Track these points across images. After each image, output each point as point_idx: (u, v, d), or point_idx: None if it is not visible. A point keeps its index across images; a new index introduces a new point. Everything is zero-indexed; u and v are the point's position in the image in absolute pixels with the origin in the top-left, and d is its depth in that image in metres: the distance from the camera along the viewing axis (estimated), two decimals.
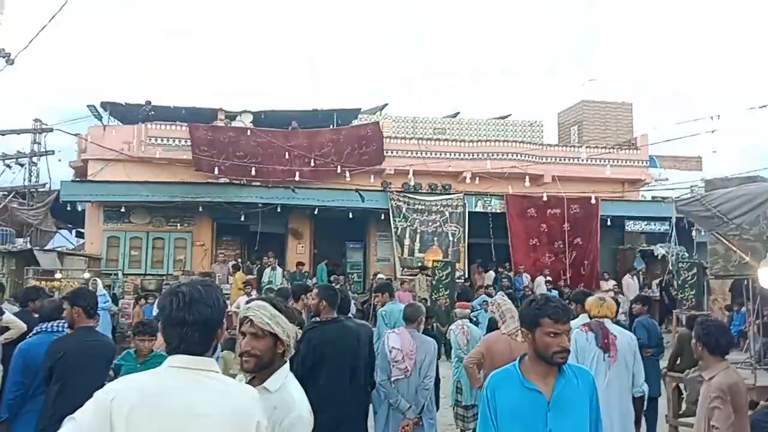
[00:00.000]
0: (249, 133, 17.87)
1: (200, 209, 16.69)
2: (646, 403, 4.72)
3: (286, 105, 31.67)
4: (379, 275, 16.84)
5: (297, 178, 17.14)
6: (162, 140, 17.75)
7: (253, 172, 16.87)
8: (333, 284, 16.48)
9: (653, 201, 19.89)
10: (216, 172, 17.04)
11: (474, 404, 7.50)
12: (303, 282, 16.19)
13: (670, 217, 18.81)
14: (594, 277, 18.04)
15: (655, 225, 18.79)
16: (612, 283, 17.42)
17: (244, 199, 16.41)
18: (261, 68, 63.72)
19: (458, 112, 24.26)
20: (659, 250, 18.54)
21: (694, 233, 18.66)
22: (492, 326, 6.69)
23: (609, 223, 18.36)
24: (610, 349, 4.22)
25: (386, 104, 23.60)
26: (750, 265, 5.50)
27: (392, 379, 4.80)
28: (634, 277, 17.80)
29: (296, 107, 19.96)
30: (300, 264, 16.30)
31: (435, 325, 13.82)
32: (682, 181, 21.81)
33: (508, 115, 24.30)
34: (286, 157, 17.51)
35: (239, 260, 17.85)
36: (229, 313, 14.01)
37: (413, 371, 4.81)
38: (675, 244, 18.47)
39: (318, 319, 4.51)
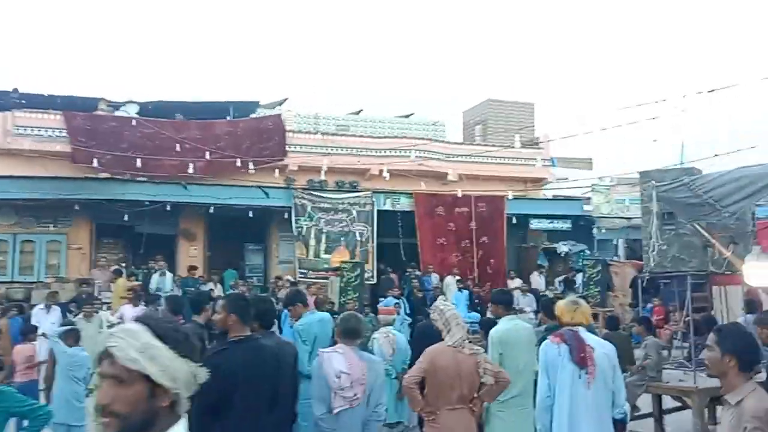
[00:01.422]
0: (134, 123, 16.12)
1: (76, 208, 14.74)
2: None
3: (177, 96, 29.53)
4: (287, 277, 15.72)
5: (190, 173, 15.61)
6: (32, 130, 15.60)
7: (139, 165, 15.14)
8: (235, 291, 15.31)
9: (556, 199, 20.13)
10: (96, 164, 15.16)
11: (399, 422, 6.69)
12: (197, 289, 14.77)
13: (572, 216, 19.21)
14: (501, 276, 17.87)
15: (557, 223, 18.96)
16: (518, 281, 17.33)
17: (128, 197, 14.65)
18: (150, 59, 60.01)
19: (361, 110, 23.56)
20: (562, 247, 18.74)
21: (594, 231, 19.09)
22: (424, 333, 5.89)
23: (514, 221, 18.29)
24: (588, 364, 3.51)
25: (286, 99, 22.41)
26: (726, 261, 5.06)
27: (335, 411, 3.84)
28: (541, 275, 17.83)
29: (189, 98, 18.40)
30: (193, 268, 14.81)
31: None
32: (577, 179, 22.39)
33: (411, 114, 23.95)
34: (177, 150, 15.92)
35: (122, 265, 16.04)
36: (111, 324, 12.38)
37: (361, 399, 3.88)
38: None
39: (231, 338, 3.47)
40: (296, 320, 5.41)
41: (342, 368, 3.87)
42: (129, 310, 11.78)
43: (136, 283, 14.66)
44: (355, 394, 3.84)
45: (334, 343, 4.25)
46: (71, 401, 6.15)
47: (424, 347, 4.87)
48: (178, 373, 1.50)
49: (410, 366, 6.40)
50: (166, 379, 1.48)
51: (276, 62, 62.09)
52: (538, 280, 17.62)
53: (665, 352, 8.66)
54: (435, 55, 65.17)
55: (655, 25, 61.11)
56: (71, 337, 6.51)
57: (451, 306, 4.61)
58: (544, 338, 6.04)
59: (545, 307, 6.33)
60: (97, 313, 11.09)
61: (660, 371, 6.54)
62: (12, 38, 54.47)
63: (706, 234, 5.21)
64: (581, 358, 3.50)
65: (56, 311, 11.06)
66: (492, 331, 5.28)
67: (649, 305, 14.24)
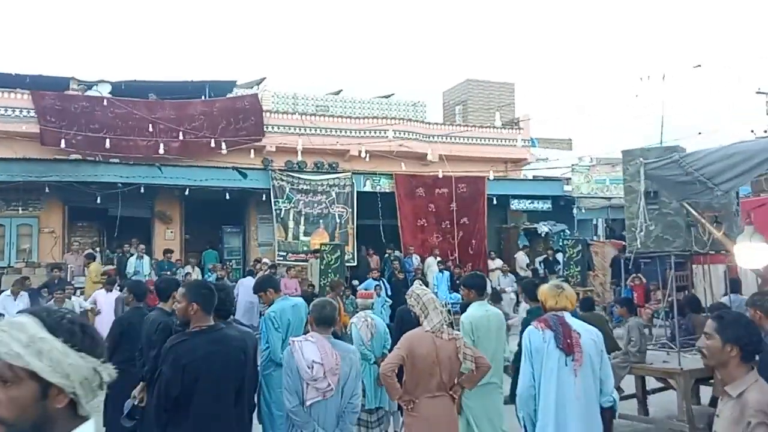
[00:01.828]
0: (106, 103, 15.61)
1: (47, 190, 14.28)
2: None
3: (151, 76, 28.83)
4: (264, 259, 15.47)
5: (164, 154, 15.20)
6: None
7: (107, 145, 14.69)
8: (211, 276, 15.01)
9: (536, 180, 20.03)
10: (66, 146, 14.68)
11: (379, 407, 6.52)
12: (173, 273, 14.47)
13: (552, 196, 19.15)
14: (482, 257, 17.80)
15: (537, 203, 18.89)
16: (499, 261, 17.29)
17: (101, 179, 14.22)
18: (124, 39, 58.60)
19: (341, 90, 23.16)
20: (542, 227, 18.69)
21: (575, 211, 19.05)
22: (404, 317, 5.72)
23: (495, 202, 18.17)
24: (574, 351, 3.34)
25: (264, 78, 21.93)
26: (715, 241, 4.92)
27: (308, 403, 3.64)
28: (526, 255, 17.84)
29: (163, 78, 17.91)
30: (168, 252, 14.47)
31: None
32: (557, 159, 22.34)
33: (392, 95, 23.63)
34: (150, 130, 15.48)
35: (96, 249, 15.68)
36: (85, 310, 12.08)
37: (335, 390, 3.68)
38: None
39: (193, 329, 3.25)
40: (268, 306, 5.18)
41: (314, 358, 3.67)
42: (102, 296, 11.48)
43: (110, 267, 14.36)
44: (328, 385, 3.64)
45: (307, 331, 4.04)
46: None
47: (405, 332, 4.71)
48: (72, 369, 1.30)
49: (391, 350, 6.25)
50: (58, 376, 1.29)
51: (254, 42, 61.05)
52: (523, 259, 17.58)
53: (646, 331, 8.59)
54: (415, 36, 64.54)
55: (637, 3, 61.02)
56: None
57: (427, 290, 4.43)
58: (526, 322, 5.91)
59: (526, 289, 6.17)
60: (70, 299, 10.80)
61: (644, 352, 6.44)
62: None
63: (695, 213, 5.06)
64: (567, 344, 3.33)
65: (24, 297, 10.71)
66: (463, 317, 5.10)
67: (629, 284, 14.24)
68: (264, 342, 5.08)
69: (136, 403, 4.64)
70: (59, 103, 15.33)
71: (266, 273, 11.03)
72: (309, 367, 3.60)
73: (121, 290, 11.54)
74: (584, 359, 3.35)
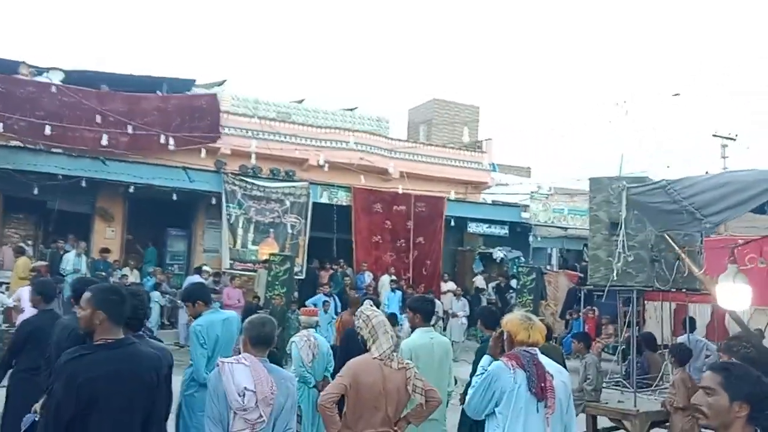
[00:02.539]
0: (54, 90, 14.71)
1: None
2: None
3: (107, 68, 27.74)
4: (205, 267, 14.75)
5: (109, 146, 14.38)
6: None
7: (50, 133, 13.80)
8: (150, 281, 14.19)
9: (495, 204, 19.88)
10: (3, 130, 13.72)
11: None
12: (108, 273, 13.62)
13: (509, 222, 19.02)
14: (435, 278, 17.48)
15: (495, 228, 18.72)
16: (452, 284, 16.97)
17: (40, 168, 13.30)
18: (83, 28, 56.83)
19: (303, 99, 22.68)
20: (498, 253, 18.54)
21: (531, 238, 18.96)
22: (351, 338, 5.23)
23: (452, 223, 17.91)
24: (548, 396, 2.93)
25: (225, 80, 21.24)
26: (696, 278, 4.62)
27: None
28: (484, 279, 17.63)
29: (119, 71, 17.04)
30: (105, 251, 13.61)
31: None
32: (518, 184, 22.32)
33: (355, 108, 23.27)
34: (99, 122, 14.65)
35: (29, 243, 14.69)
36: (6, 307, 11.16)
37: (267, 422, 3.18)
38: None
39: (97, 341, 2.71)
40: (193, 318, 4.63)
41: (247, 384, 3.17)
42: (27, 293, 10.61)
43: (42, 263, 13.40)
44: (260, 416, 3.14)
45: (239, 351, 3.53)
46: None
47: (351, 355, 4.23)
48: None
49: (333, 374, 5.74)
50: None
51: (217, 45, 60.04)
52: (482, 282, 17.35)
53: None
54: (383, 53, 64.66)
55: (604, 28, 62.61)
56: None
57: (378, 312, 3.97)
58: (482, 350, 5.50)
59: (484, 315, 5.77)
60: None
61: (599, 391, 6.12)
62: None
63: (677, 248, 4.78)
64: (541, 388, 2.92)
65: None
66: (403, 344, 4.62)
67: (580, 317, 14.11)
68: (193, 356, 4.53)
69: (36, 419, 4.02)
70: (2, 86, 14.36)
71: (202, 282, 10.33)
72: (240, 395, 3.10)
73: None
74: (555, 406, 2.94)
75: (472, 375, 5.53)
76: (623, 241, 4.94)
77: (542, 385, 3.03)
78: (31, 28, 52.46)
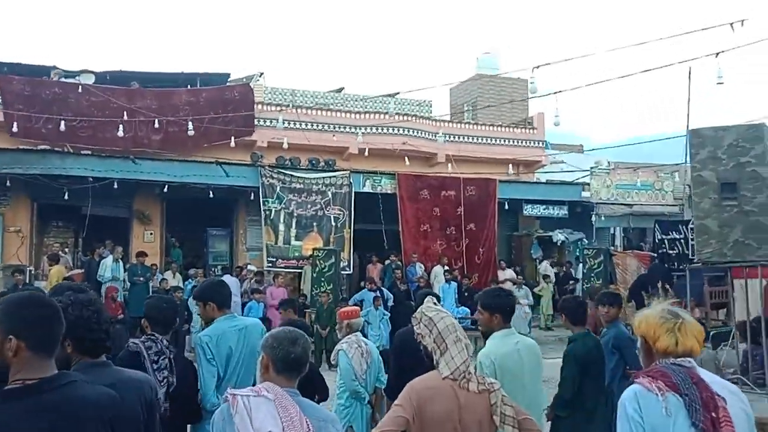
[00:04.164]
0: (81, 90, 14.16)
1: (8, 184, 12.78)
2: None
3: (139, 67, 27.38)
4: (249, 266, 13.99)
5: (141, 146, 13.73)
6: None
7: (80, 135, 13.22)
8: (191, 283, 13.48)
9: (552, 183, 18.48)
10: (32, 135, 13.22)
11: None
12: (146, 278, 12.96)
13: (568, 201, 17.59)
14: (491, 266, 16.25)
15: (552, 209, 17.30)
16: (510, 272, 15.73)
17: (69, 172, 12.70)
18: (117, 31, 57.52)
19: (342, 88, 21.76)
20: (558, 236, 17.15)
21: (593, 218, 17.49)
22: (406, 345, 4.16)
23: (506, 207, 16.62)
24: (722, 427, 1.83)
25: (262, 73, 20.51)
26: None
27: None
28: (552, 265, 16.36)
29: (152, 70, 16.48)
30: (141, 254, 12.92)
31: (315, 327, 11.27)
32: (570, 164, 20.82)
33: (396, 93, 22.21)
34: (129, 120, 14.01)
35: (66, 250, 14.19)
36: None
37: None
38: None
39: (12, 383, 1.73)
40: (205, 324, 3.68)
41: (271, 428, 2.16)
42: None
43: (77, 271, 12.86)
44: None
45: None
46: None
47: (404, 366, 3.18)
48: None
49: (389, 390, 4.66)
50: None
51: (252, 39, 59.89)
52: (548, 269, 16.06)
53: None
54: (420, 36, 63.40)
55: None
56: None
57: (444, 312, 2.88)
58: (571, 354, 4.36)
59: (569, 307, 4.61)
60: None
61: None
62: None
63: None
64: (711, 421, 1.83)
65: None
66: (482, 355, 3.44)
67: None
68: (204, 378, 3.55)
69: None
70: (29, 89, 13.90)
71: (223, 281, 9.38)
72: None
73: None
74: None
75: (560, 384, 4.41)
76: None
77: (712, 415, 1.91)
78: (64, 33, 53.34)
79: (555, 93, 10.13)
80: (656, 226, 13.77)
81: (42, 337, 1.69)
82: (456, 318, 8.29)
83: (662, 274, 11.56)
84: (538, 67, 8.95)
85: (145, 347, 3.17)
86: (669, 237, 13.25)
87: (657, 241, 13.65)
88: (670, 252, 13.08)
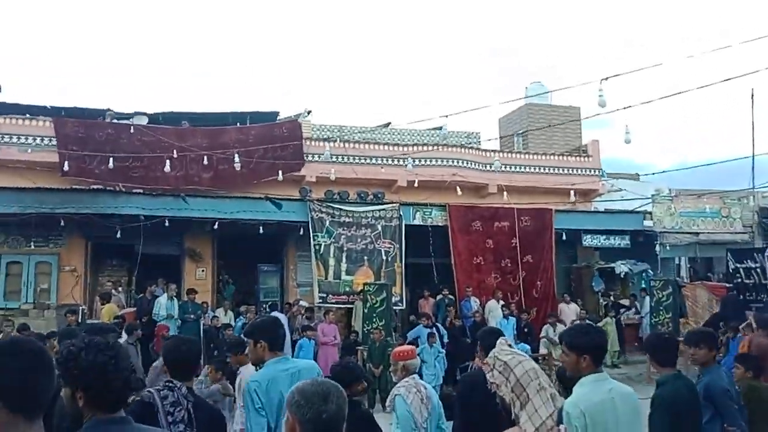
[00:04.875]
0: (132, 130, 14.39)
1: (62, 223, 12.94)
2: None
3: (189, 107, 28.01)
4: (301, 302, 13.71)
5: (192, 184, 13.76)
6: (19, 138, 14.01)
7: (132, 175, 13.35)
8: (241, 320, 13.29)
9: (611, 212, 17.66)
10: (85, 175, 13.44)
11: None
12: (198, 316, 12.81)
13: (630, 231, 16.72)
14: (549, 300, 15.51)
15: (613, 239, 16.47)
16: (574, 306, 14.88)
17: (121, 211, 12.79)
18: (167, 74, 59.56)
19: (389, 123, 21.63)
20: (621, 267, 16.26)
21: (658, 248, 16.56)
22: (474, 389, 3.65)
23: (564, 237, 15.90)
24: None
25: (310, 111, 20.58)
26: None
27: None
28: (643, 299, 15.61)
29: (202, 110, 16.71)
30: (191, 292, 12.80)
31: (368, 366, 10.81)
32: (630, 192, 19.92)
33: (443, 126, 21.93)
34: (180, 159, 14.10)
35: (119, 288, 14.22)
36: None
37: None
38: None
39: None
40: (254, 367, 3.31)
41: None
42: None
43: (128, 310, 12.84)
44: None
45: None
46: None
47: (471, 418, 2.71)
48: None
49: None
50: None
51: (299, 78, 61.06)
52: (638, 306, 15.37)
53: None
54: (466, 69, 63.34)
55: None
56: None
57: (521, 355, 2.42)
58: (660, 399, 3.77)
59: (655, 345, 4.02)
60: None
61: None
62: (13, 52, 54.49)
63: None
64: None
65: None
66: (570, 404, 2.81)
67: (738, 335, 11.72)
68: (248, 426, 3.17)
69: None
70: (83, 131, 14.21)
71: (277, 317, 9.09)
72: None
73: (137, 340, 9.96)
74: None
75: None
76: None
77: None
78: (118, 77, 55.53)
79: (624, 108, 9.64)
80: (729, 255, 12.88)
81: (21, 393, 1.33)
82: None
83: (738, 305, 10.67)
84: (606, 78, 8.45)
85: (161, 397, 2.82)
86: (744, 266, 12.38)
87: (731, 270, 12.73)
88: (747, 281, 12.17)
